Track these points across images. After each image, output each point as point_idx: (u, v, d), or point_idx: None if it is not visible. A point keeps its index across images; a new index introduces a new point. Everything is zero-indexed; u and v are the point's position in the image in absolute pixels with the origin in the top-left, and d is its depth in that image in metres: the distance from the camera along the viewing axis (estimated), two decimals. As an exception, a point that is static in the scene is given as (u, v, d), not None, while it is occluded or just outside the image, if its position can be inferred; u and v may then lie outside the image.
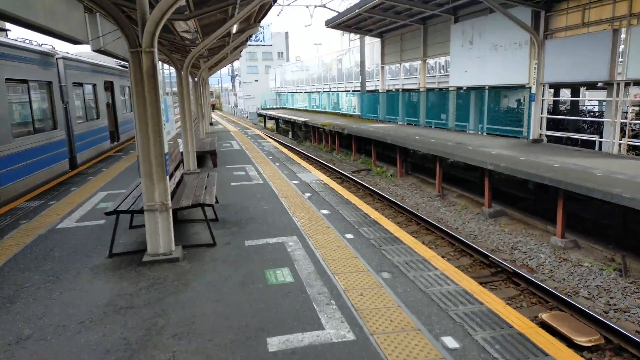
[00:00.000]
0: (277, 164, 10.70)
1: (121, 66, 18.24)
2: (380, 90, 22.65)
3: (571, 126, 14.57)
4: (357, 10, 17.85)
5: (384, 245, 4.89)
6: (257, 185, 8.13)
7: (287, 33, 72.20)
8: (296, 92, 42.97)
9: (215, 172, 8.40)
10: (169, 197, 4.46)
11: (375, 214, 6.33)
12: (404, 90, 20.84)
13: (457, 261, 8.04)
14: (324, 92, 35.45)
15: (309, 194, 7.36)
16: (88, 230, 5.75)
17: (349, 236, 5.13)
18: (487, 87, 14.43)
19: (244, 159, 11.45)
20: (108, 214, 4.66)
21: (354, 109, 27.39)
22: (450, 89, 16.53)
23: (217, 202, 6.60)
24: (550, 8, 11.57)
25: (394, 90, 23.27)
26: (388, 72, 24.51)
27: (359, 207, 6.59)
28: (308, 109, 37.10)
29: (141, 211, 4.53)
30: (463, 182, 13.01)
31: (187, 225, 5.74)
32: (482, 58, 14.34)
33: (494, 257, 7.71)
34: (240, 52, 21.14)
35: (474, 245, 8.28)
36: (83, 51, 13.21)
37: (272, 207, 6.50)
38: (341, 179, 15.30)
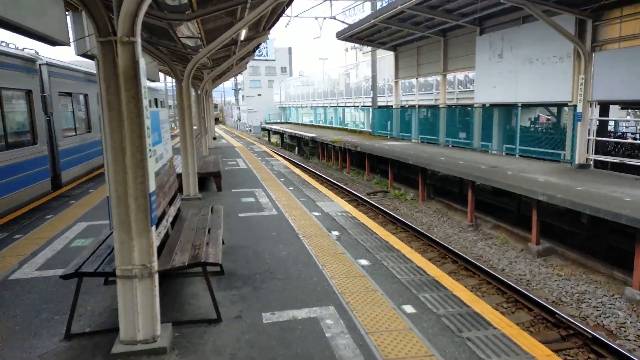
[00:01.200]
0: (291, 187, 9.27)
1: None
2: (393, 106, 21.34)
3: (613, 149, 13.15)
4: (372, 21, 16.62)
5: (466, 331, 3.41)
6: (271, 218, 6.68)
7: (290, 48, 72.42)
8: (301, 107, 41.81)
9: (221, 197, 6.95)
10: (154, 257, 3.01)
11: (432, 269, 4.85)
12: (421, 107, 19.52)
13: (513, 316, 6.54)
14: (330, 107, 34.26)
15: (336, 233, 5.91)
16: (50, 284, 4.30)
17: (409, 309, 3.65)
18: (519, 105, 13.08)
19: (252, 180, 10.02)
20: (65, 277, 3.21)
21: (363, 125, 26.10)
22: (475, 105, 15.18)
23: (222, 243, 5.17)
24: (600, 17, 10.26)
25: (407, 106, 21.99)
26: (400, 88, 23.27)
27: (407, 255, 5.12)
28: (313, 124, 35.86)
29: (114, 274, 3.07)
30: (497, 210, 11.55)
31: (179, 282, 4.27)
32: (514, 72, 13.01)
33: (562, 314, 6.22)
34: (246, 63, 19.96)
35: (531, 296, 6.79)
36: (79, 60, 11.97)
37: (294, 253, 5.04)
38: (356, 201, 13.85)
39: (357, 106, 28.68)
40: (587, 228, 9.21)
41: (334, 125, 31.64)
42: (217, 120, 58.37)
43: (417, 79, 19.62)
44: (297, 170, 12.13)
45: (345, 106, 31.51)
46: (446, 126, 17.02)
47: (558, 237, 9.32)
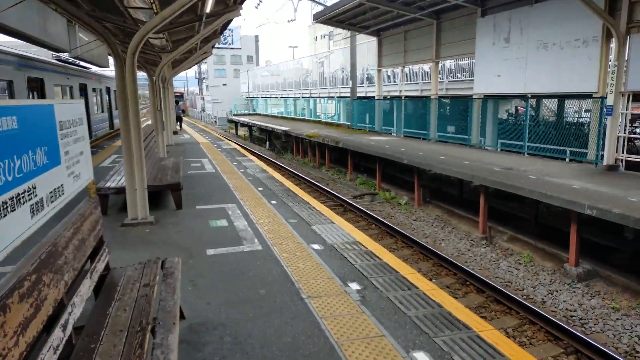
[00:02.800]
0: (273, 201, 7.23)
1: (58, 59, 14.38)
2: (376, 97, 19.53)
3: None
4: (357, 0, 14.66)
5: None
6: (254, 258, 4.64)
7: (257, 36, 70.02)
8: (270, 97, 39.42)
9: (181, 220, 4.89)
10: None
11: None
12: (408, 98, 17.78)
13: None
14: (302, 97, 32.13)
15: (356, 287, 3.95)
16: None
17: None
18: (529, 96, 11.51)
19: (222, 190, 7.90)
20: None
21: (338, 117, 24.20)
22: (474, 96, 13.55)
23: (182, 317, 3.12)
24: (635, -8, 8.72)
25: (389, 97, 20.24)
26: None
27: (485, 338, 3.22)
28: (284, 115, 33.64)
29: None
30: (510, 218, 9.94)
31: None
32: (524, 59, 11.41)
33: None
34: (212, 47, 17.58)
35: (602, 349, 5.12)
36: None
37: (301, 338, 3.06)
38: (342, 207, 11.97)
39: (333, 97, 26.74)
40: (631, 244, 7.69)
41: (306, 117, 29.57)
42: (183, 113, 53.85)
43: (403, 67, 17.82)
44: (277, 175, 10.04)
45: (319, 97, 29.50)
46: (437, 120, 15.37)
47: (596, 255, 7.77)
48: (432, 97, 15.63)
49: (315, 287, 3.87)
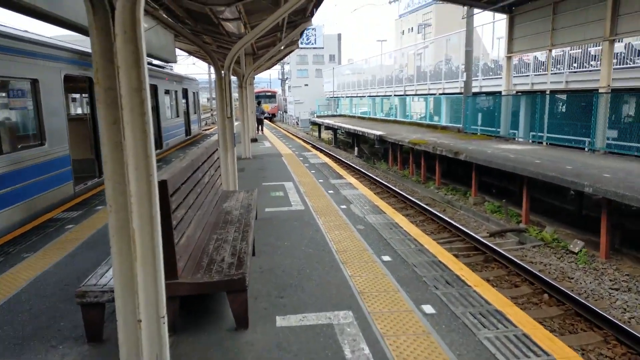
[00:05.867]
0: (432, 309, 3.69)
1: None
2: (503, 93, 15.17)
3: None
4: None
5: None
6: None
7: (339, 35, 67.76)
8: (356, 97, 36.00)
9: None
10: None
11: None
12: (568, 93, 13.21)
13: None
14: (394, 95, 28.24)
15: None
16: None
17: None
18: None
19: (323, 262, 4.50)
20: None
21: (439, 118, 20.02)
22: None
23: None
24: None
25: (515, 92, 15.76)
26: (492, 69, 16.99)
27: None
28: (372, 116, 29.98)
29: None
30: None
31: None
32: None
33: None
34: (290, 52, 14.96)
35: None
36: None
37: None
38: (476, 249, 8.18)
39: (434, 94, 22.57)
40: None
41: (398, 119, 25.68)
42: (274, 117, 50.55)
43: (550, 50, 13.25)
44: (408, 226, 6.32)
45: (416, 94, 25.45)
46: (607, 122, 10.79)
47: None
48: (600, 90, 11.04)
49: None
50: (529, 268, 7.19)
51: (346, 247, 4.92)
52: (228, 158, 6.82)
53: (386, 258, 4.55)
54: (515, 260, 7.55)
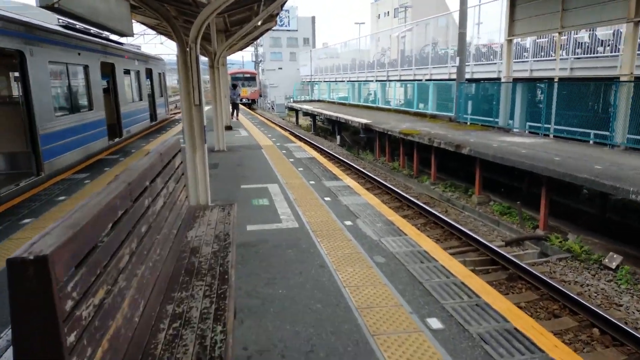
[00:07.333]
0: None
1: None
2: (502, 80, 13.89)
3: None
4: None
5: None
6: None
7: (313, 17, 65.88)
8: (335, 81, 34.28)
9: None
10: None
11: None
12: (571, 81, 12.00)
13: None
14: (377, 80, 26.72)
15: None
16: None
17: None
18: None
19: (344, 343, 3.03)
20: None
21: (431, 106, 18.68)
22: None
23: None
24: None
25: (515, 79, 14.51)
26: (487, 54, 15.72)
27: None
28: (351, 102, 28.39)
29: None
30: None
31: None
32: None
33: None
34: (267, 30, 13.14)
35: None
36: None
37: None
38: (497, 265, 6.89)
39: (419, 80, 21.18)
40: None
41: (381, 105, 24.22)
42: (253, 103, 42.79)
43: (560, 33, 11.95)
44: (441, 255, 4.84)
45: (400, 80, 24.01)
46: (629, 114, 9.63)
47: None
48: (622, 78, 9.84)
49: None
50: (567, 292, 5.92)
51: (370, 299, 3.40)
52: (197, 159, 5.14)
53: (434, 323, 3.06)
54: (548, 280, 6.28)
